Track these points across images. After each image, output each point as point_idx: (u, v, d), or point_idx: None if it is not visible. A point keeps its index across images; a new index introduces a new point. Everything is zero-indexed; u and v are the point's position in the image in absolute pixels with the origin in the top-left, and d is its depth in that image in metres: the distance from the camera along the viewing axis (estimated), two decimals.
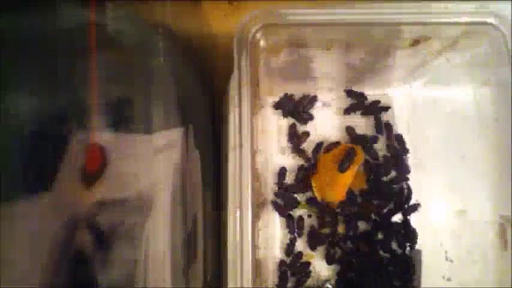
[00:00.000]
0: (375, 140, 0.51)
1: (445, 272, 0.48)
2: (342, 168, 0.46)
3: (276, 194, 0.48)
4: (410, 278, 0.46)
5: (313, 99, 0.51)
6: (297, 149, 0.50)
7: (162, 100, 0.32)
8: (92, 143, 0.28)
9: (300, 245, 0.48)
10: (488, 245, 0.48)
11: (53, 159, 0.26)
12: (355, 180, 0.47)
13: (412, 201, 0.49)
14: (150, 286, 0.29)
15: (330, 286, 0.47)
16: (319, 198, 0.48)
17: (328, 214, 0.48)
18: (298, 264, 0.47)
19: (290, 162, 0.50)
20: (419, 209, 0.49)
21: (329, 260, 0.47)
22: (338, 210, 0.48)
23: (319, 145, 0.50)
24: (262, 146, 0.50)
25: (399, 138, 0.51)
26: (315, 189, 0.48)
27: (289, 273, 0.47)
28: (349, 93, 0.52)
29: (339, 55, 0.44)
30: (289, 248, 0.47)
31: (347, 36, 0.41)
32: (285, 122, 0.51)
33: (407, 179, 0.50)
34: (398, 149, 0.50)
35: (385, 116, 0.52)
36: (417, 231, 0.48)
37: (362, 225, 0.48)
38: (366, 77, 0.50)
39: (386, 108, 0.52)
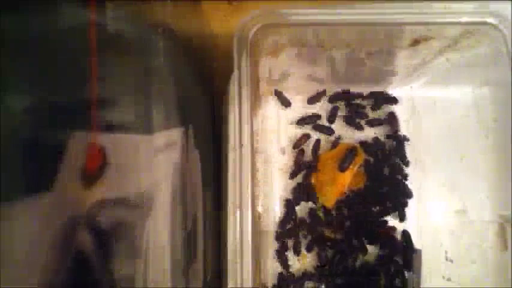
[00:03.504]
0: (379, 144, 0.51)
1: (445, 272, 0.48)
2: (342, 168, 0.46)
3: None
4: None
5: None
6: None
7: (162, 100, 0.32)
8: (92, 143, 0.28)
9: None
10: (487, 245, 0.48)
11: (53, 159, 0.26)
12: (354, 179, 0.48)
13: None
14: (150, 286, 0.29)
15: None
16: (317, 197, 0.48)
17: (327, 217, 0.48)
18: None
19: (290, 162, 0.50)
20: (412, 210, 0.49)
21: (322, 261, 0.47)
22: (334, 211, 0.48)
23: (317, 142, 0.50)
24: (262, 146, 0.50)
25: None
26: (313, 187, 0.48)
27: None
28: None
29: (339, 55, 0.44)
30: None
31: (347, 36, 0.41)
32: (285, 122, 0.51)
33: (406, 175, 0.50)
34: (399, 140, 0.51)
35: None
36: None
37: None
38: (366, 77, 0.50)
39: (394, 100, 0.51)
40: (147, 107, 0.31)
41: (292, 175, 0.49)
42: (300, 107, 0.52)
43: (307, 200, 0.49)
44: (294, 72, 0.48)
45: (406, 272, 0.47)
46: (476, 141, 0.49)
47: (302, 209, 0.49)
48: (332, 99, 0.51)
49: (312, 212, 0.48)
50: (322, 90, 0.51)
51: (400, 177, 0.49)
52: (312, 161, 0.49)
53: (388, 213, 0.49)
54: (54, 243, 0.25)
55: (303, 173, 0.49)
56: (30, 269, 0.24)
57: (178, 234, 0.32)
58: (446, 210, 0.49)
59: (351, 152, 0.47)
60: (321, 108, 0.52)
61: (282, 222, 0.48)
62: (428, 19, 0.38)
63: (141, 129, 0.31)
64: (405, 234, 0.48)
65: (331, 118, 0.51)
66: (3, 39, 0.24)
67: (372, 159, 0.50)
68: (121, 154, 0.29)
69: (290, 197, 0.49)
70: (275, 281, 0.47)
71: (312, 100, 0.51)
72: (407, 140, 0.50)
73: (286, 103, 0.51)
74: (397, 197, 0.49)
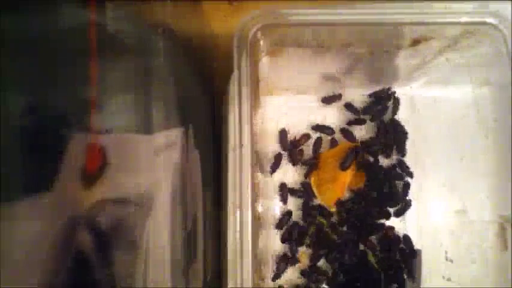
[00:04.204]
0: (375, 142, 0.50)
1: (445, 272, 0.48)
2: (344, 167, 0.46)
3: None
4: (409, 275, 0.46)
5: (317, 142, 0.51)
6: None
7: (162, 100, 0.32)
8: (92, 143, 0.28)
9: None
10: (487, 245, 0.48)
11: (53, 159, 0.26)
12: (354, 178, 0.48)
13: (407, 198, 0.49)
14: (150, 286, 0.29)
15: (326, 286, 0.47)
16: (317, 195, 0.48)
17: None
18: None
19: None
20: (413, 207, 0.49)
21: (315, 259, 0.47)
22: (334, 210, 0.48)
23: (319, 140, 0.50)
24: (262, 146, 0.50)
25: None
26: (313, 186, 0.48)
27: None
28: (348, 107, 0.52)
29: (339, 55, 0.44)
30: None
31: (347, 36, 0.41)
32: (285, 122, 0.51)
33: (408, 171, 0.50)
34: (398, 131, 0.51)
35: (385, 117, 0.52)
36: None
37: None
38: (366, 77, 0.50)
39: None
40: (147, 107, 0.31)
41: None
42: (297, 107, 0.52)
43: (307, 198, 0.49)
44: (293, 72, 0.48)
45: (406, 272, 0.47)
46: (476, 141, 0.49)
47: (298, 204, 0.49)
48: (326, 100, 0.51)
49: (306, 206, 0.48)
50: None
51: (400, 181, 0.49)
52: (312, 158, 0.49)
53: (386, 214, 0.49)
54: (54, 243, 0.25)
55: (304, 169, 0.49)
56: (30, 269, 0.24)
57: (178, 234, 0.32)
58: (446, 210, 0.49)
59: (352, 152, 0.47)
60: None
61: (280, 221, 0.48)
62: (428, 19, 0.38)
63: (141, 129, 0.31)
64: (405, 239, 0.48)
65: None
66: (3, 39, 0.24)
67: (371, 159, 0.50)
68: (121, 154, 0.29)
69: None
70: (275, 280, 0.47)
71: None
72: (406, 133, 0.51)
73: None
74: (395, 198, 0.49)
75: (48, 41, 0.26)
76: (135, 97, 0.32)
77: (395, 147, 0.50)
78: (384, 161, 0.50)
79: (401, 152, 0.50)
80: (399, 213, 0.49)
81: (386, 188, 0.49)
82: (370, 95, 0.51)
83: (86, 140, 0.28)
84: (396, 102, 0.51)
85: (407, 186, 0.49)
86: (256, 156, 0.47)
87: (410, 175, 0.50)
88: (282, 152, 0.50)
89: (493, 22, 0.39)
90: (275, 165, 0.49)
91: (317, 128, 0.51)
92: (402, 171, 0.50)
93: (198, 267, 0.37)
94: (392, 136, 0.50)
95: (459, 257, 0.48)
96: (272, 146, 0.50)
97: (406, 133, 0.50)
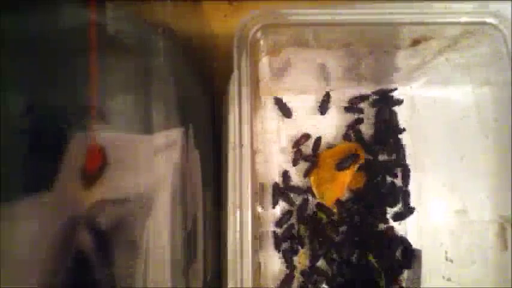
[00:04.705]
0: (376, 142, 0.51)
1: (445, 272, 0.48)
2: (340, 167, 0.46)
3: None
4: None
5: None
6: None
7: (162, 100, 0.32)
8: (92, 143, 0.28)
9: None
10: (488, 245, 0.48)
11: (53, 159, 0.26)
12: (354, 179, 0.48)
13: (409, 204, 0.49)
14: (150, 286, 0.29)
15: (325, 286, 0.47)
16: (316, 195, 0.48)
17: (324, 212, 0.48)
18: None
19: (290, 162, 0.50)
20: (414, 211, 0.49)
21: (314, 259, 0.47)
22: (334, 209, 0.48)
23: (318, 139, 0.50)
24: (262, 146, 0.50)
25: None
26: (313, 185, 0.48)
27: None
28: (349, 109, 0.52)
29: (339, 55, 0.44)
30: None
31: (347, 36, 0.41)
32: (285, 122, 0.51)
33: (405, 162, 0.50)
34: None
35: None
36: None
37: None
38: (366, 77, 0.50)
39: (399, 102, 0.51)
40: (147, 107, 0.32)
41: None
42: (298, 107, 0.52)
43: (306, 195, 0.49)
44: (293, 72, 0.48)
45: (405, 272, 0.47)
46: (476, 141, 0.49)
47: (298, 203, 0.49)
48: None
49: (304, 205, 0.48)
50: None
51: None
52: (312, 156, 0.49)
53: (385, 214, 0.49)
54: (54, 243, 0.25)
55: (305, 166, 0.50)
56: (30, 268, 0.24)
57: (178, 234, 0.32)
58: (446, 210, 0.49)
59: (353, 155, 0.47)
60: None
61: (280, 220, 0.48)
62: (428, 19, 0.38)
63: (141, 129, 0.31)
64: (405, 239, 0.48)
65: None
66: (3, 39, 0.24)
67: (371, 159, 0.50)
68: (121, 154, 0.29)
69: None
70: (275, 281, 0.47)
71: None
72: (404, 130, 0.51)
73: (287, 113, 0.51)
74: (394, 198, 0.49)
75: (48, 41, 0.26)
76: (135, 97, 0.32)
77: (394, 147, 0.50)
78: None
79: (399, 151, 0.50)
80: (398, 218, 0.49)
81: (386, 189, 0.49)
82: (373, 93, 0.51)
83: (86, 140, 0.28)
84: (394, 113, 0.51)
85: (407, 194, 0.49)
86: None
87: (407, 172, 0.50)
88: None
89: (493, 22, 0.39)
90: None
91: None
92: (402, 173, 0.50)
93: (198, 267, 0.37)
94: (392, 136, 0.50)
95: (459, 257, 0.48)
96: (272, 146, 0.50)
97: (403, 131, 0.51)
